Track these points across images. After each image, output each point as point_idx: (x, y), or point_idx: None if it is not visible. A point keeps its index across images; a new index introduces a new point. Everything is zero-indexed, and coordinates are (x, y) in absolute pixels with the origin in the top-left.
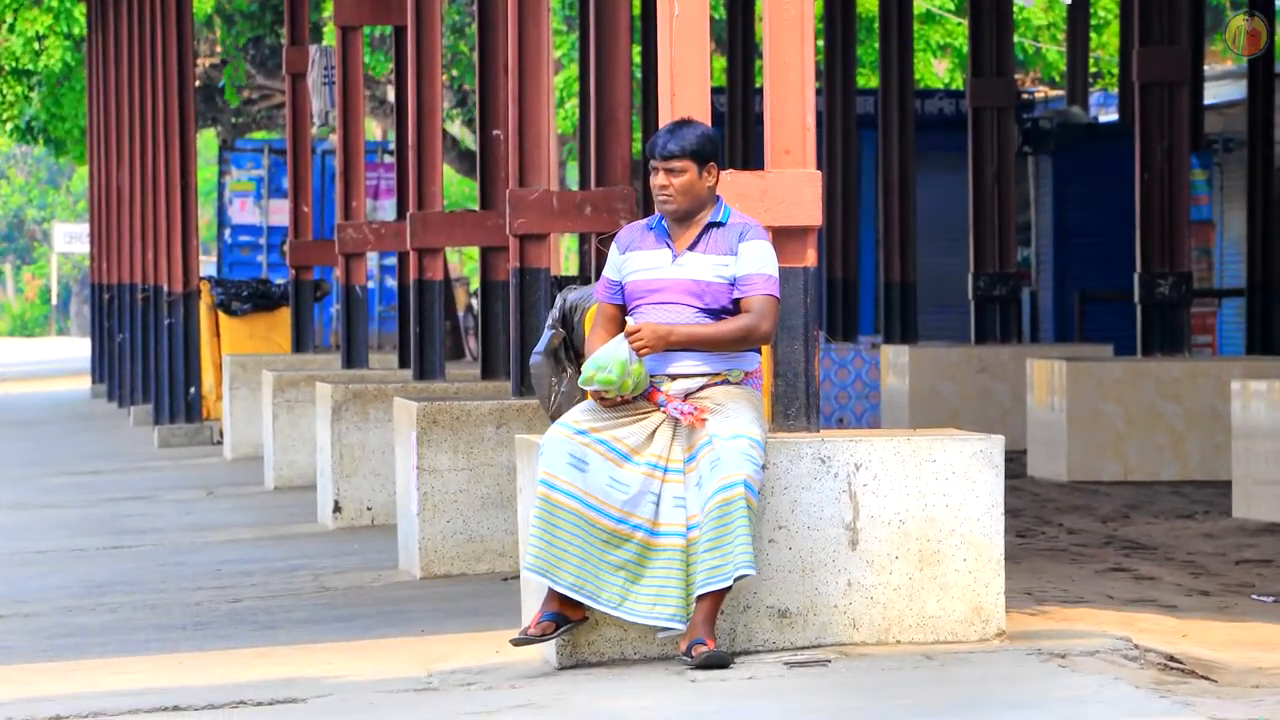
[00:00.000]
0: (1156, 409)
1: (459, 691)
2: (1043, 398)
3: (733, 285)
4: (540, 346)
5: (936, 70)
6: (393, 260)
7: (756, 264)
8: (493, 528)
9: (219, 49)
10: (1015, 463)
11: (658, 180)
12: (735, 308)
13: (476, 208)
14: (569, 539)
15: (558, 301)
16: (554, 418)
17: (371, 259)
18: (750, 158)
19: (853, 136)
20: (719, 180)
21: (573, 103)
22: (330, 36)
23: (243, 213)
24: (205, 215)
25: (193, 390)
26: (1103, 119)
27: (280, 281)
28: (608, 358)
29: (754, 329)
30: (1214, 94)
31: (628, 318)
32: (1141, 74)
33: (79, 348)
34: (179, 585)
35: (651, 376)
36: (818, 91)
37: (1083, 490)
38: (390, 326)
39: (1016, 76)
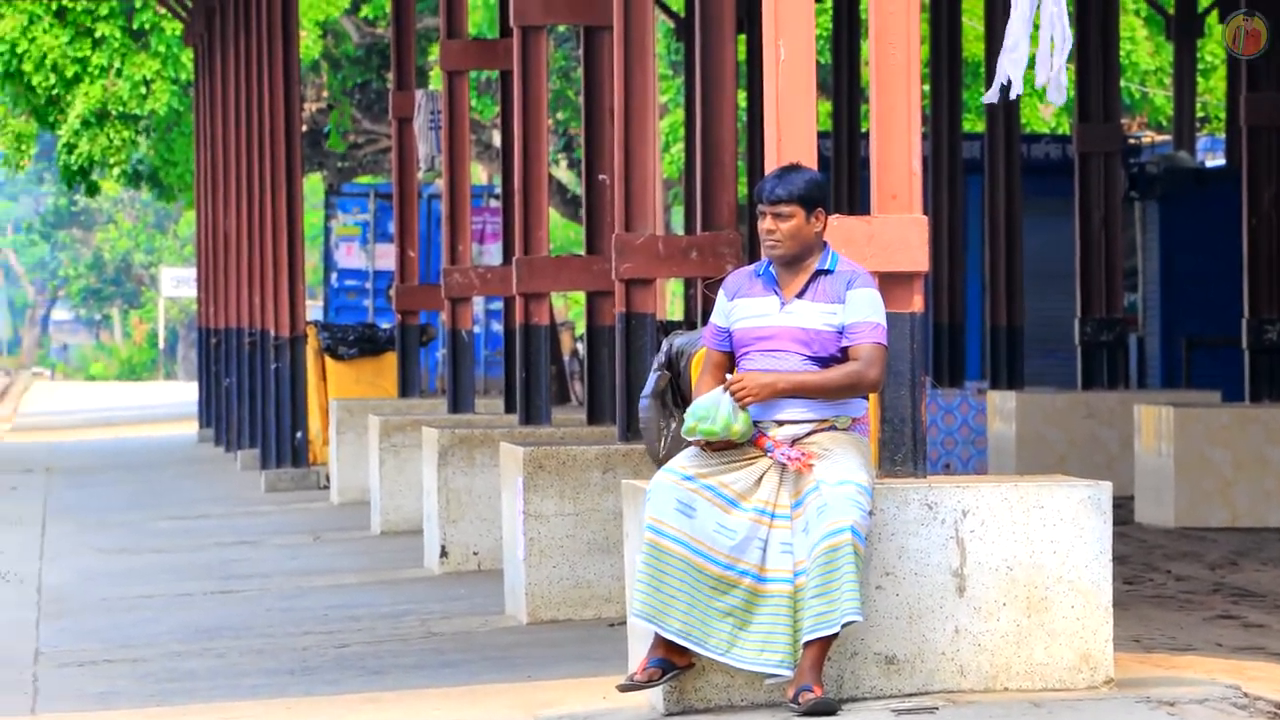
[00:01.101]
0: (1264, 455)
1: None
2: (1150, 444)
3: (841, 333)
4: (648, 389)
5: (1043, 115)
6: (499, 305)
7: (864, 312)
8: (599, 573)
9: (325, 94)
10: (1122, 509)
11: (765, 225)
12: (843, 355)
13: (582, 252)
14: (676, 585)
15: (664, 346)
16: (662, 462)
17: (477, 303)
18: (856, 203)
19: (959, 181)
20: (826, 226)
21: (679, 147)
22: (437, 81)
23: (349, 257)
24: (311, 259)
25: (299, 435)
26: (1210, 164)
27: (386, 326)
28: (709, 409)
29: (862, 377)
30: None
31: (735, 365)
32: (1249, 118)
33: (186, 392)
34: (286, 630)
35: (758, 422)
36: (924, 136)
37: (1190, 537)
38: (496, 371)
39: (1123, 121)
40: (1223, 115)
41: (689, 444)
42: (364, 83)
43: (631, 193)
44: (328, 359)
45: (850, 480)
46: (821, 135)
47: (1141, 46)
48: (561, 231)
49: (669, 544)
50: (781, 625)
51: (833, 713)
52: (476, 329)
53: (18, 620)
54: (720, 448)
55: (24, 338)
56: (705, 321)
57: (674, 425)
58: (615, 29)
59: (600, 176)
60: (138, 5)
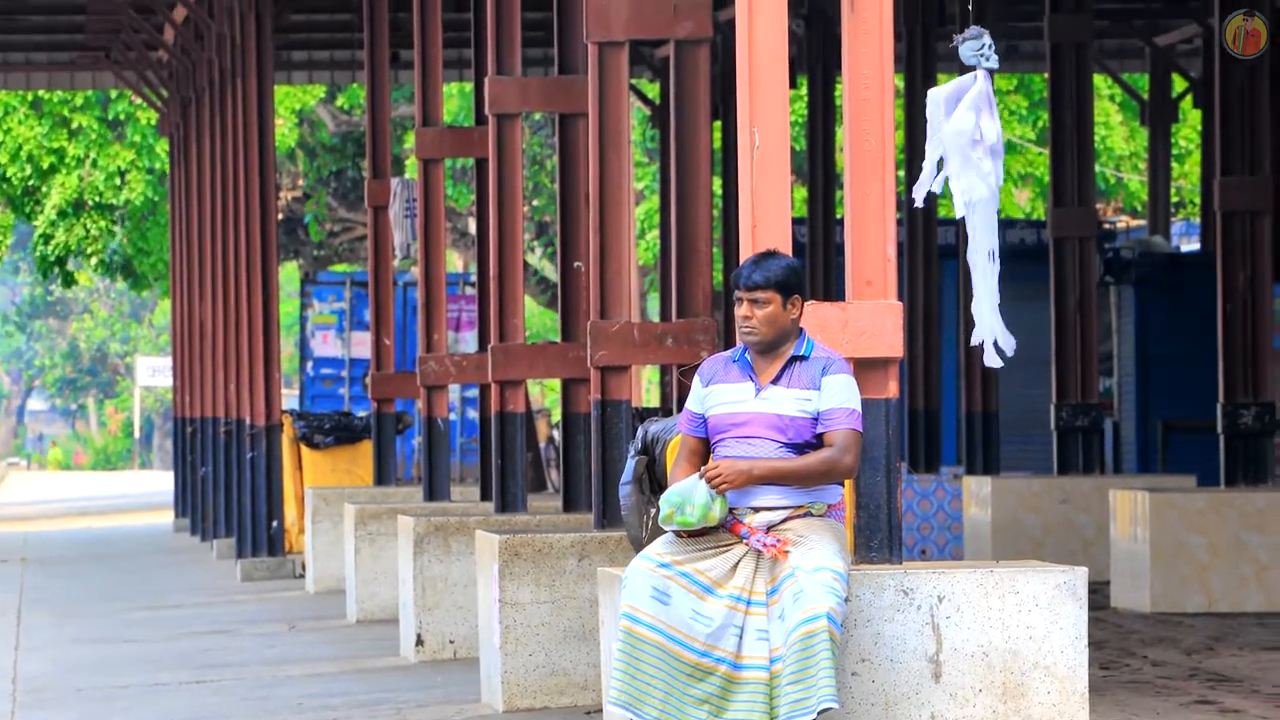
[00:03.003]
0: (1240, 540)
1: None
2: (1126, 529)
3: (815, 419)
4: (627, 475)
5: (1018, 200)
6: (474, 392)
7: (839, 398)
8: (575, 660)
9: (301, 182)
10: (1099, 594)
11: (742, 310)
12: (818, 441)
13: (558, 339)
14: (652, 672)
15: (639, 433)
16: (643, 547)
17: (453, 391)
18: (831, 288)
19: (934, 266)
20: (803, 312)
21: (654, 234)
22: (412, 169)
23: (325, 345)
24: (287, 348)
25: (275, 523)
26: (1185, 248)
27: (362, 414)
28: (684, 497)
29: (837, 464)
30: None
31: (711, 451)
32: (1223, 203)
33: (162, 481)
34: None
35: (733, 509)
36: (899, 222)
37: (1167, 622)
38: (472, 459)
39: (1098, 206)
40: (1197, 200)
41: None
42: (339, 171)
43: (606, 280)
44: (303, 447)
45: (825, 566)
46: (797, 221)
47: (1116, 132)
48: (537, 319)
49: (645, 631)
50: (758, 712)
51: None
52: (452, 416)
53: None
54: (696, 534)
55: None
56: (680, 408)
57: (654, 511)
58: (590, 116)
59: (575, 264)
60: (113, 95)
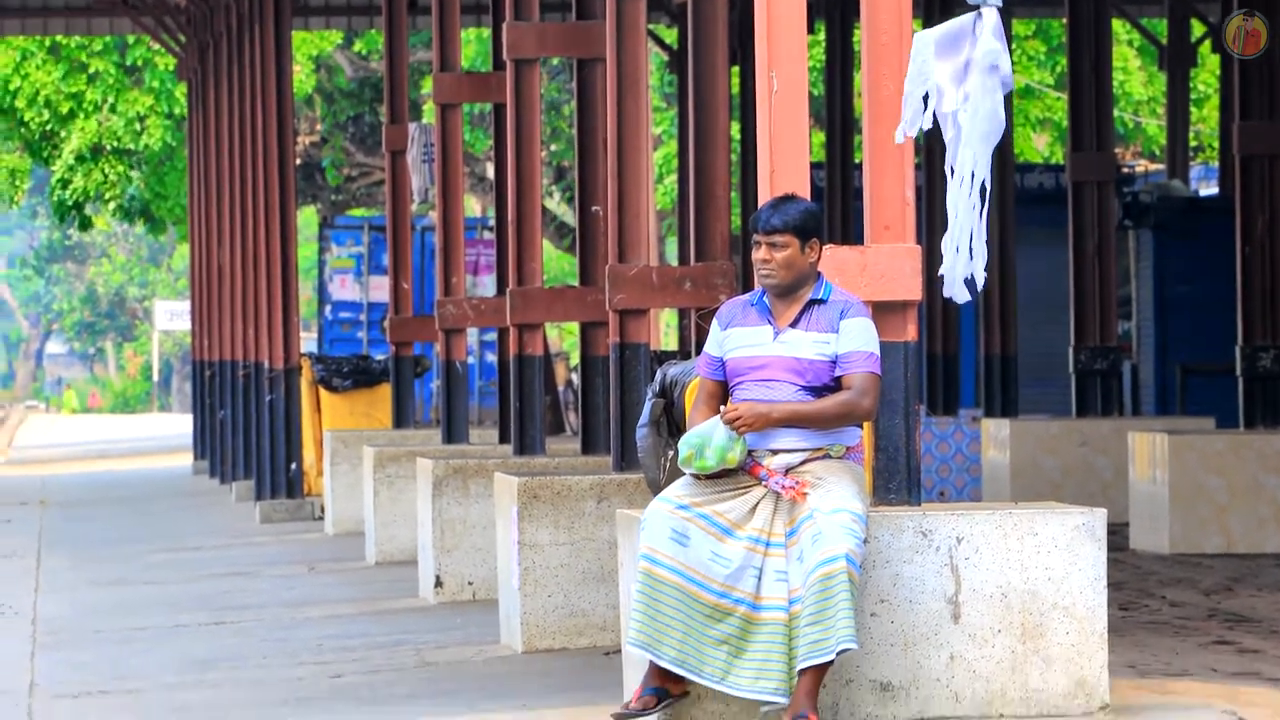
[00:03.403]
0: (1259, 482)
1: None
2: (1144, 471)
3: (834, 363)
4: (644, 418)
5: (1036, 145)
6: (493, 336)
7: (858, 341)
8: (594, 602)
9: (319, 127)
10: (1117, 535)
11: (760, 254)
12: (837, 384)
13: (576, 283)
14: (671, 613)
15: (657, 376)
16: (661, 489)
17: (471, 334)
18: (850, 233)
19: None
20: (820, 256)
21: (672, 178)
22: (429, 114)
23: (343, 289)
24: (306, 292)
25: (294, 466)
26: (1203, 193)
27: (381, 357)
28: (703, 440)
29: (855, 406)
30: None
31: (729, 394)
32: (1242, 147)
33: (180, 424)
34: (281, 661)
35: (752, 451)
36: (917, 166)
37: (1185, 563)
38: (490, 402)
39: (1116, 151)
40: (1216, 144)
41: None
42: (357, 116)
43: (625, 224)
44: (322, 391)
45: (844, 508)
46: (815, 166)
47: (1134, 76)
48: (555, 263)
49: (664, 573)
50: (776, 653)
51: None
52: (471, 360)
53: (13, 653)
54: (715, 476)
55: (18, 372)
56: (699, 352)
57: (672, 454)
58: (608, 61)
59: (594, 208)
60: (131, 41)
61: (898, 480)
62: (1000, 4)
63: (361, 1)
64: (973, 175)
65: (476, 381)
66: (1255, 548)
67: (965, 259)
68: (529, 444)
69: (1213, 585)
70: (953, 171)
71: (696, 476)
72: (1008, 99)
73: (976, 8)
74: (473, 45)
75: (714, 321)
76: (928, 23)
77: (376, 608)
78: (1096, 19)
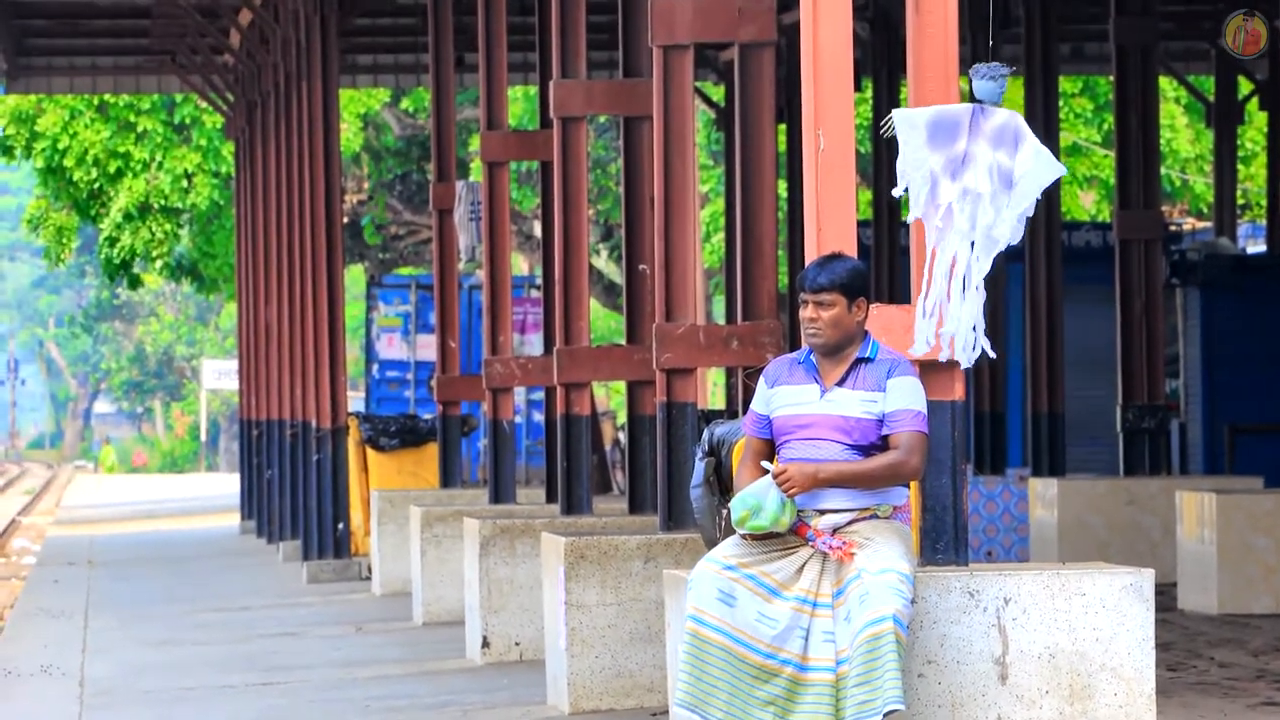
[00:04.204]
0: None
1: None
2: (1192, 530)
3: (881, 421)
4: (697, 477)
5: (1083, 202)
6: (540, 395)
7: (905, 400)
8: (641, 663)
9: (366, 185)
10: (1165, 595)
11: (807, 313)
12: (883, 443)
13: (623, 342)
14: (718, 674)
15: (705, 435)
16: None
17: (519, 394)
18: (896, 291)
19: (1000, 268)
20: (868, 315)
21: (719, 237)
22: (477, 172)
23: (390, 348)
24: (353, 351)
25: (341, 526)
26: (1251, 250)
27: (428, 417)
28: (757, 501)
29: (903, 466)
30: None
31: (775, 453)
32: None
33: (228, 484)
34: None
35: (800, 511)
36: None
37: (1234, 623)
38: (538, 461)
39: (1164, 208)
40: (1263, 202)
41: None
42: (404, 174)
43: (672, 282)
44: (369, 450)
45: (892, 569)
46: (862, 224)
47: (1181, 134)
48: (602, 321)
49: (710, 633)
50: (824, 714)
51: None
52: (518, 419)
53: (61, 714)
54: (763, 537)
55: (66, 431)
56: (746, 410)
57: (726, 512)
58: (655, 119)
59: (641, 266)
60: (179, 100)
61: (945, 540)
62: (997, 101)
63: (409, 59)
64: (954, 262)
65: (524, 441)
66: None
67: (931, 322)
68: (576, 504)
69: (1261, 646)
70: (933, 256)
71: (746, 537)
72: (1056, 157)
73: (981, 101)
74: (520, 103)
75: (761, 380)
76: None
77: (423, 668)
78: (1144, 76)
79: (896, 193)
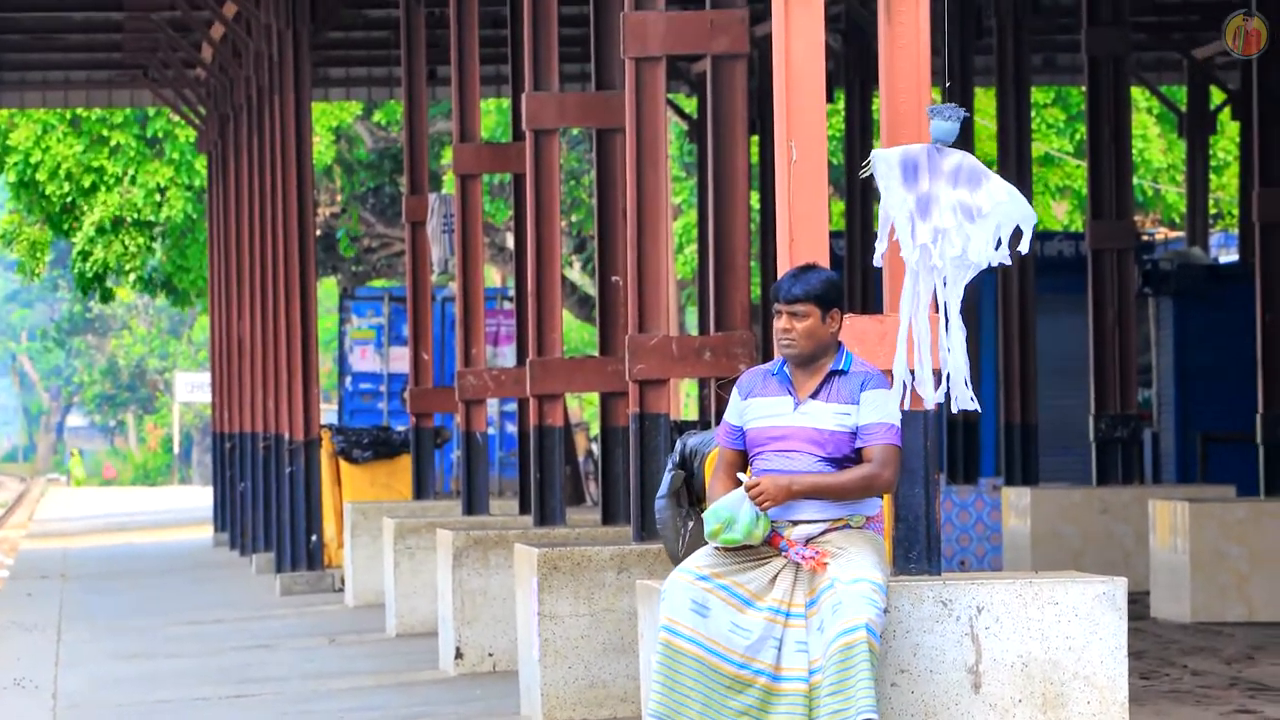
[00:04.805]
0: None
1: None
2: (1165, 539)
3: (854, 434)
4: (663, 489)
5: (1055, 212)
6: (513, 406)
7: (879, 413)
8: (614, 673)
9: (339, 198)
10: (1138, 604)
11: (780, 324)
12: (857, 456)
13: (596, 353)
14: (691, 685)
15: (677, 446)
16: (680, 560)
17: (492, 405)
18: (870, 301)
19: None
20: (841, 326)
21: (692, 248)
22: (450, 185)
23: (363, 360)
24: (326, 363)
25: (314, 538)
26: (1223, 260)
27: (401, 429)
28: (730, 514)
29: (876, 479)
30: None
31: (748, 464)
32: (1262, 215)
33: (201, 496)
34: None
35: (773, 521)
36: None
37: (1207, 631)
38: (511, 472)
39: (1136, 218)
40: (1235, 211)
41: (706, 543)
42: (377, 187)
43: (644, 294)
44: (342, 462)
45: (864, 578)
46: (834, 235)
47: (1154, 144)
48: (576, 333)
49: (684, 644)
50: None
51: None
52: (491, 430)
53: None
54: (736, 548)
55: (39, 444)
56: (719, 421)
57: (691, 525)
58: (627, 131)
59: (613, 278)
60: (151, 114)
61: (918, 549)
62: (950, 141)
63: (381, 72)
64: (944, 303)
65: (497, 452)
66: (1277, 616)
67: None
68: (549, 515)
69: (1234, 654)
70: (918, 297)
71: (719, 549)
72: (1029, 167)
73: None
74: (492, 116)
75: (734, 391)
76: (946, 92)
77: (397, 679)
78: (1116, 86)
79: (880, 250)
